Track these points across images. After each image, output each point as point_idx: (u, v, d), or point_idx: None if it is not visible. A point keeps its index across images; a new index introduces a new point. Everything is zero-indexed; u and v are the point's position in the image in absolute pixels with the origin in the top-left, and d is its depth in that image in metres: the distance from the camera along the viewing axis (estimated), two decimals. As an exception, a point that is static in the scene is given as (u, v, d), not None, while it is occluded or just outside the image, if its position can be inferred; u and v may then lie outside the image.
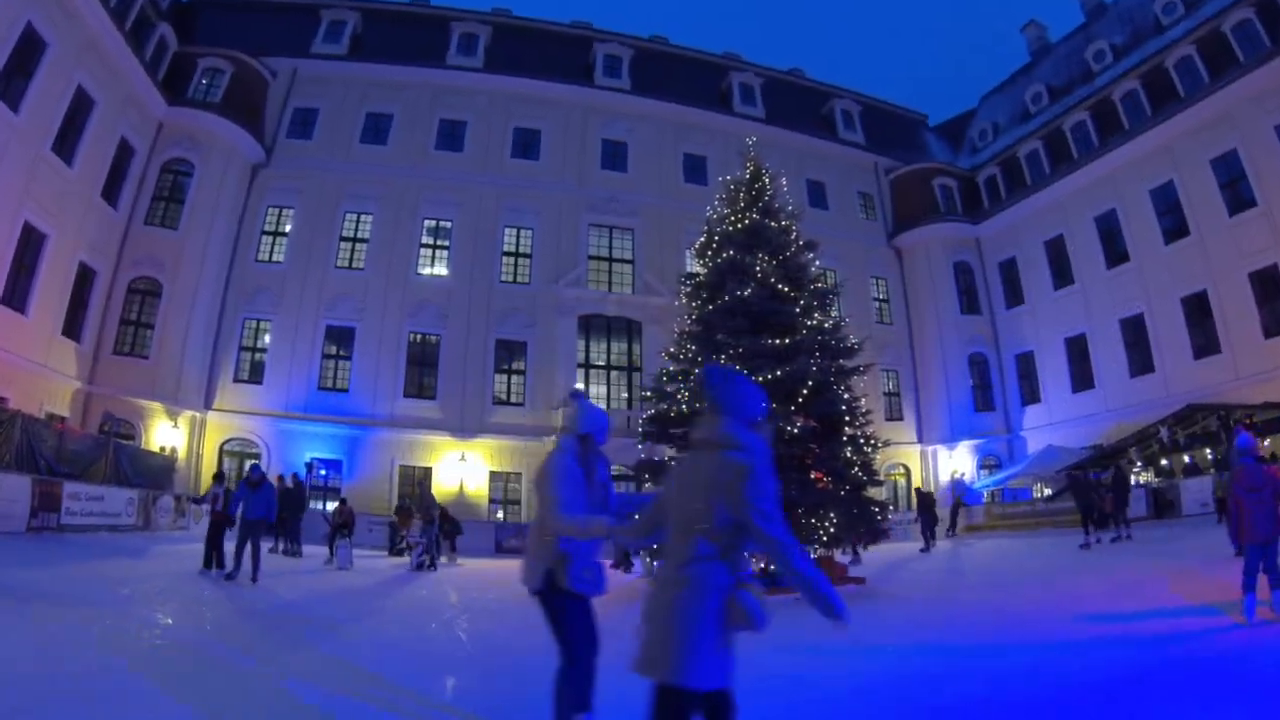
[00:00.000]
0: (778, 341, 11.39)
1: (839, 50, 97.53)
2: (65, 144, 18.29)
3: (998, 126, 31.91)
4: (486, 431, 23.54)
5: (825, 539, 10.59)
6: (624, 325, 25.84)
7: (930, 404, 28.42)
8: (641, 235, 26.66)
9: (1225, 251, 21.01)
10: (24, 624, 5.93)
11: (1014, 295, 28.24)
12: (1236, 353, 20.61)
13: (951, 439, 27.57)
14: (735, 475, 2.37)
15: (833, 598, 2.33)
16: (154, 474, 17.94)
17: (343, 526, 14.98)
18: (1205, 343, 21.60)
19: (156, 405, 20.47)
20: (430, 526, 14.99)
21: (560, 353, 24.78)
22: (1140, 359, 23.47)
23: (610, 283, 26.15)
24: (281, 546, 15.16)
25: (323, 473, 22.47)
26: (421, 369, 24.00)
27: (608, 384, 25.27)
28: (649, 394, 12.93)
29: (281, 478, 16.27)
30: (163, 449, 19.96)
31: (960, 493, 24.98)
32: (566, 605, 3.21)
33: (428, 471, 22.94)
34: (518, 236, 25.80)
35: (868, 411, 12.43)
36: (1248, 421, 16.96)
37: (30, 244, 17.52)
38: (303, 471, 20.79)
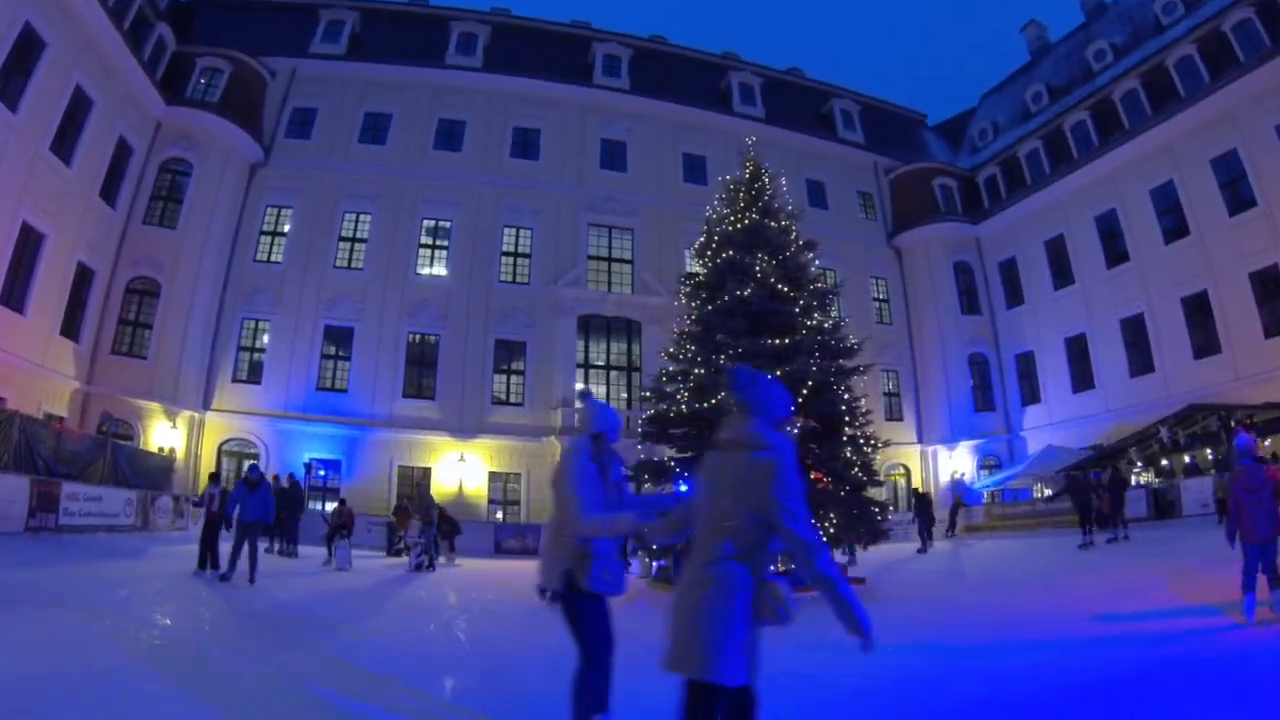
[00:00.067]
0: (777, 341, 11.36)
1: (838, 50, 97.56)
2: (63, 143, 18.26)
3: (998, 126, 31.88)
4: (485, 432, 23.51)
5: (825, 539, 10.55)
6: (623, 325, 25.82)
7: (930, 404, 28.40)
8: (641, 235, 26.63)
9: (1225, 251, 20.98)
10: (23, 624, 5.93)
11: (1014, 295, 28.21)
12: (1237, 353, 20.59)
13: (951, 439, 27.54)
14: (762, 475, 2.41)
15: (856, 609, 2.35)
16: (152, 474, 17.88)
17: (341, 527, 14.94)
18: (1206, 343, 21.58)
19: (155, 405, 20.44)
20: (429, 527, 14.95)
21: (559, 353, 24.75)
22: (1140, 359, 23.44)
23: (609, 283, 26.12)
24: (277, 547, 15.12)
25: (321, 473, 22.43)
26: (420, 369, 23.97)
27: (607, 384, 25.23)
28: (648, 394, 12.90)
29: (277, 478, 16.23)
30: (161, 449, 19.92)
31: (960, 493, 24.97)
32: (585, 606, 3.21)
33: (427, 472, 22.91)
34: (517, 236, 25.77)
35: (868, 412, 12.41)
36: (1248, 422, 16.95)
37: (28, 244, 17.49)
38: (301, 472, 20.77)
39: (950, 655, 6.01)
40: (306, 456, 21.99)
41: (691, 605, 2.42)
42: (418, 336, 24.17)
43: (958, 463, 27.26)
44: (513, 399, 24.31)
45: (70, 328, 19.14)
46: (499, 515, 23.35)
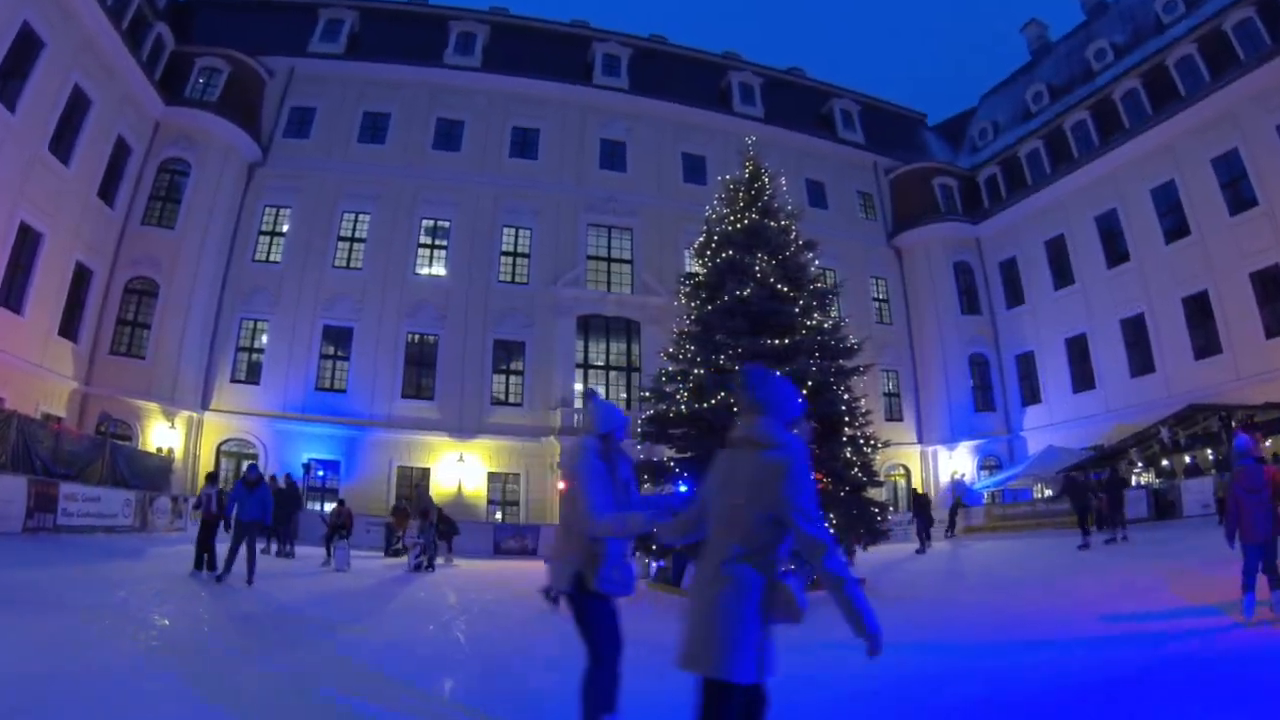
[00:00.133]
0: (777, 342, 11.33)
1: (838, 50, 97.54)
2: (62, 143, 18.23)
3: (998, 126, 31.85)
4: (485, 432, 23.48)
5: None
6: (623, 325, 25.79)
7: (930, 404, 28.37)
8: (640, 235, 26.60)
9: (1226, 251, 20.95)
10: (22, 624, 5.94)
11: (1014, 295, 28.18)
12: (1238, 353, 20.55)
13: (951, 439, 27.51)
14: (774, 474, 2.42)
15: (865, 613, 2.34)
16: (151, 475, 17.86)
17: (340, 528, 14.90)
18: (1206, 343, 21.54)
19: (153, 406, 20.40)
20: (429, 528, 14.91)
21: (559, 353, 24.71)
22: (1141, 359, 23.41)
23: (609, 283, 26.09)
24: (274, 548, 15.07)
25: (320, 473, 22.41)
26: (419, 369, 23.93)
27: (606, 384, 25.19)
28: (648, 394, 12.86)
29: (274, 478, 16.19)
30: (160, 450, 19.89)
31: (960, 493, 24.93)
32: (594, 606, 3.22)
33: (426, 472, 22.88)
34: (516, 236, 25.74)
35: (867, 412, 12.39)
36: (1249, 422, 16.91)
37: (26, 244, 17.45)
38: (300, 472, 20.74)
39: (950, 655, 6.01)
40: (305, 457, 21.97)
41: (705, 604, 2.44)
42: (417, 336, 24.14)
43: (958, 463, 27.23)
44: (512, 399, 24.28)
45: (68, 328, 19.11)
46: (498, 516, 23.32)
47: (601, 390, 24.90)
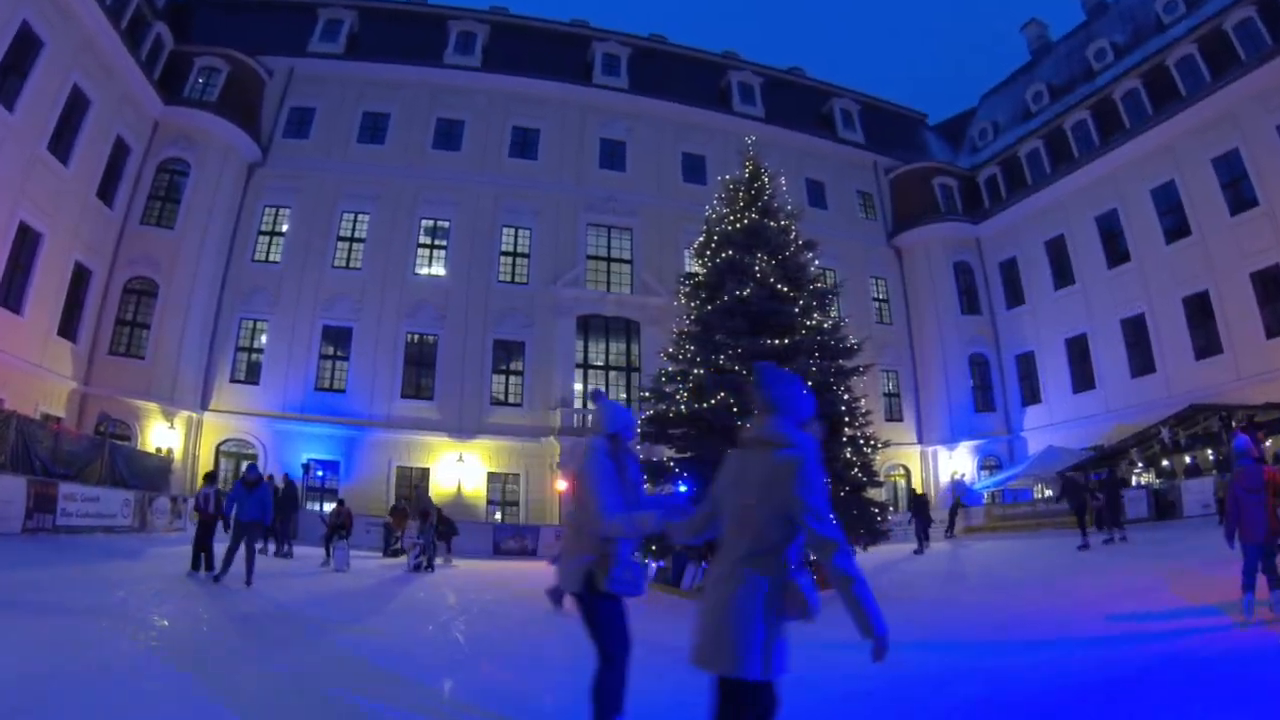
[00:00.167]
0: (777, 342, 11.33)
1: (838, 49, 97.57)
2: (61, 143, 18.20)
3: (998, 126, 31.83)
4: (484, 432, 23.45)
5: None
6: (622, 325, 25.76)
7: (930, 404, 28.34)
8: (640, 235, 26.58)
9: (1227, 251, 20.92)
10: (22, 625, 5.96)
11: (1014, 295, 28.15)
12: (1238, 353, 20.53)
13: (952, 440, 27.49)
14: (786, 473, 2.44)
15: (873, 613, 2.34)
16: (150, 475, 17.84)
17: (340, 528, 14.88)
18: (1207, 343, 21.52)
19: (152, 406, 20.38)
20: (428, 528, 14.88)
21: (558, 353, 24.69)
22: (1141, 359, 23.39)
23: (609, 283, 26.07)
24: (272, 548, 15.03)
25: (320, 474, 22.38)
26: (419, 369, 23.91)
27: (606, 384, 25.15)
28: (647, 394, 12.86)
29: (271, 478, 16.15)
30: (159, 450, 19.86)
31: (960, 494, 24.90)
32: (604, 607, 3.22)
33: (425, 472, 22.85)
34: (516, 236, 25.72)
35: (867, 412, 12.39)
36: (1250, 422, 16.89)
37: (25, 243, 17.42)
38: (299, 472, 20.72)
39: (951, 655, 6.00)
40: (305, 457, 21.95)
41: (719, 603, 2.46)
42: (416, 337, 24.11)
43: (958, 463, 27.21)
44: (511, 399, 24.25)
45: (68, 328, 19.08)
46: (497, 516, 23.29)
47: (602, 391, 24.83)
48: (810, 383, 10.80)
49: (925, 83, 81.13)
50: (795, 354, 11.22)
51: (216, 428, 22.09)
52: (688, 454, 11.80)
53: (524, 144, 26.61)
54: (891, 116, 34.46)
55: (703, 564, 10.98)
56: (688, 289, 13.10)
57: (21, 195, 16.94)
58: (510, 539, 21.03)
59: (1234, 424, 17.41)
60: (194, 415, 21.63)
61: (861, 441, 11.69)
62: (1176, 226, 22.61)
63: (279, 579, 11.20)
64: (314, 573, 12.75)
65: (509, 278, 25.25)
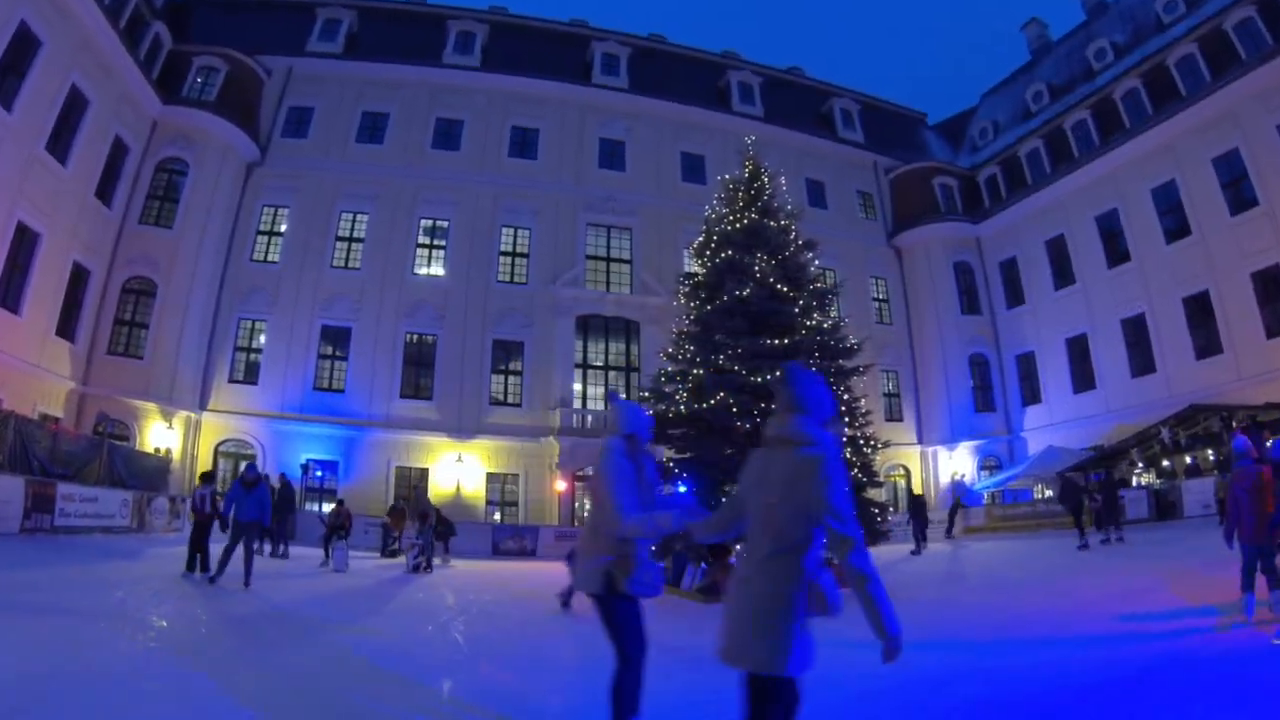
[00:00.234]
0: (777, 342, 11.31)
1: (838, 49, 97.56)
2: (59, 143, 18.17)
3: (998, 125, 31.82)
4: (483, 432, 23.42)
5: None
6: (622, 325, 25.73)
7: (930, 405, 28.32)
8: (639, 235, 26.56)
9: (1227, 251, 20.91)
10: (21, 625, 5.95)
11: (1014, 295, 28.14)
12: (1239, 353, 20.51)
13: (952, 440, 27.47)
14: (808, 471, 2.47)
15: (886, 613, 2.35)
16: (148, 475, 17.79)
17: (339, 528, 14.84)
18: (1207, 343, 21.50)
19: (151, 406, 20.35)
20: (427, 529, 14.85)
21: (557, 353, 24.66)
22: (1142, 359, 23.37)
23: (608, 283, 26.04)
24: (268, 549, 14.96)
25: (319, 474, 22.35)
26: (418, 369, 23.87)
27: (605, 384, 25.14)
28: (647, 395, 12.83)
29: (267, 477, 16.07)
30: (157, 450, 19.82)
31: (960, 494, 24.88)
32: (622, 608, 3.23)
33: (424, 473, 22.82)
34: (515, 236, 25.69)
35: (867, 412, 12.38)
36: (1253, 422, 16.85)
37: (24, 243, 17.39)
38: (298, 473, 20.68)
39: (951, 655, 5.98)
40: (303, 457, 21.92)
41: (746, 601, 2.51)
42: (415, 337, 24.08)
43: (958, 463, 27.19)
44: (510, 399, 24.22)
45: (66, 328, 19.04)
46: (497, 516, 23.26)
47: (596, 390, 24.88)
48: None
49: (925, 82, 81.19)
50: (795, 354, 11.20)
51: (215, 428, 22.06)
52: (687, 454, 11.77)
53: (523, 144, 26.58)
54: (891, 116, 34.45)
55: (702, 565, 10.95)
56: (687, 289, 13.08)
57: (20, 195, 16.91)
58: (509, 539, 21.00)
59: (1234, 424, 17.39)
60: (192, 415, 21.60)
61: (861, 442, 11.68)
62: (1177, 226, 22.60)
63: (277, 580, 11.17)
64: (313, 573, 12.72)
65: (508, 278, 25.22)
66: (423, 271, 24.75)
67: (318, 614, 8.31)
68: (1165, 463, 20.61)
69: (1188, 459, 19.76)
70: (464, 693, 5.07)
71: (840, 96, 32.47)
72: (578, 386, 24.79)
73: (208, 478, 11.63)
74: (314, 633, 7.14)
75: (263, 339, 23.19)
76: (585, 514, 22.29)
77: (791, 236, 12.70)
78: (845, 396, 11.61)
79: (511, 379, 24.43)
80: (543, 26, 29.97)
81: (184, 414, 21.26)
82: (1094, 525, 15.76)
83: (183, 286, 21.43)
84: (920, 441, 28.14)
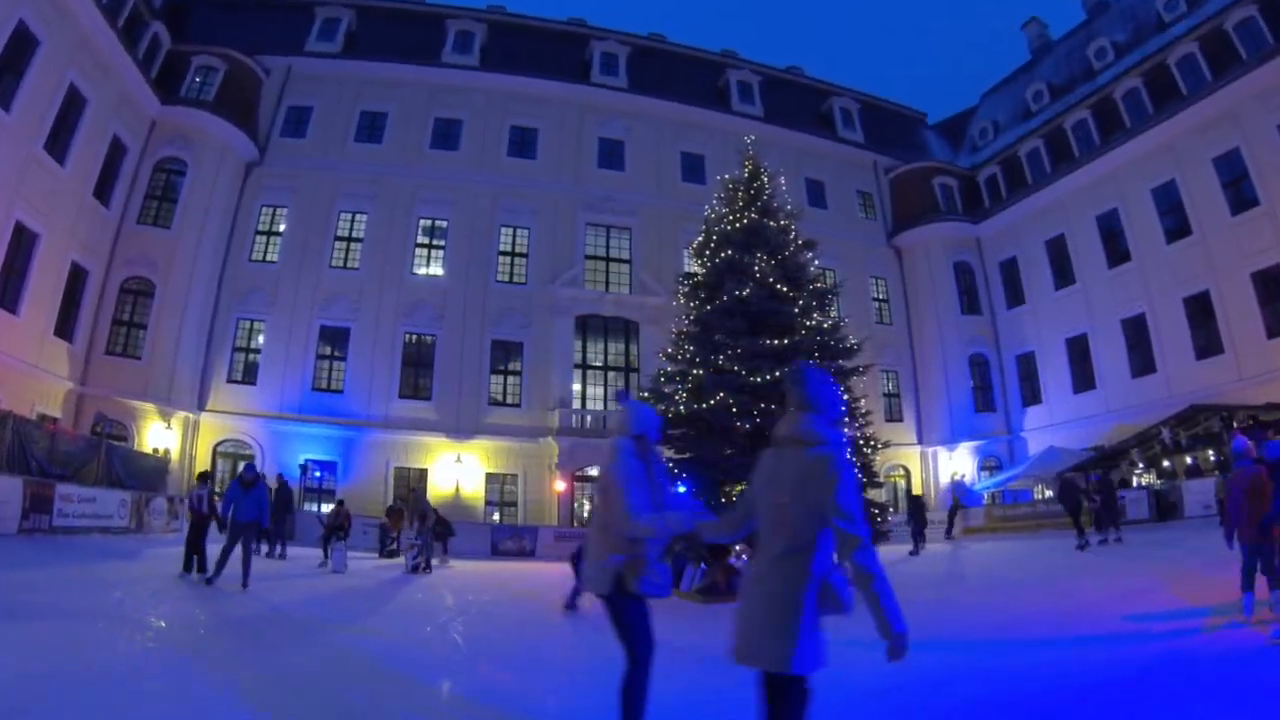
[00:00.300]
0: (776, 342, 11.28)
1: (838, 48, 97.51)
2: (57, 143, 18.15)
3: (998, 125, 31.80)
4: (482, 433, 23.40)
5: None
6: (621, 325, 25.71)
7: (930, 405, 28.30)
8: (639, 234, 26.54)
9: (1228, 251, 20.89)
10: (20, 625, 5.95)
11: (1015, 295, 28.12)
12: (1239, 353, 20.50)
13: (952, 440, 27.45)
14: (818, 471, 2.49)
15: (892, 612, 2.36)
16: (147, 475, 17.78)
17: (338, 529, 14.81)
18: (1208, 343, 21.48)
19: (149, 406, 20.32)
20: (426, 530, 14.82)
21: (557, 353, 24.64)
22: (1142, 359, 23.36)
23: (607, 282, 26.02)
24: (265, 549, 14.91)
25: (318, 474, 22.33)
26: (417, 370, 23.85)
27: (605, 385, 25.12)
28: (646, 395, 12.80)
29: (264, 477, 16.03)
30: (156, 450, 19.80)
31: (960, 494, 24.85)
32: (631, 608, 3.23)
33: (423, 473, 22.80)
34: (514, 236, 25.66)
35: (867, 412, 12.35)
36: (1249, 423, 16.83)
37: (22, 243, 17.36)
38: (296, 473, 20.64)
39: (951, 655, 5.97)
40: (302, 458, 21.90)
41: (758, 600, 2.53)
42: (414, 337, 24.05)
43: (958, 464, 27.16)
44: (509, 400, 24.19)
45: (64, 328, 19.02)
46: (495, 517, 23.24)
47: (595, 391, 24.87)
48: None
49: (925, 82, 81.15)
50: (795, 354, 11.17)
51: (213, 428, 22.03)
52: (686, 455, 11.74)
53: (522, 143, 26.56)
54: (891, 115, 34.43)
55: (702, 565, 10.92)
56: (687, 289, 13.04)
57: (17, 195, 16.88)
58: (508, 540, 20.98)
59: (1235, 424, 17.36)
60: (191, 415, 21.57)
61: (861, 442, 11.64)
62: (1177, 226, 22.58)
63: (276, 580, 11.14)
64: (311, 574, 12.70)
65: (507, 277, 25.20)
66: (421, 271, 24.73)
67: (317, 614, 8.29)
68: (1166, 463, 20.59)
69: (1188, 459, 19.74)
70: (463, 693, 5.08)
71: (840, 96, 32.45)
72: (577, 387, 24.76)
73: (205, 478, 11.59)
74: (313, 633, 7.12)
75: (261, 339, 23.17)
76: (585, 514, 22.30)
77: (791, 236, 12.67)
78: (845, 397, 11.57)
79: (510, 379, 24.41)
80: (541, 26, 29.95)
81: (182, 414, 21.23)
82: (1093, 526, 15.73)
83: (181, 286, 21.41)
84: (920, 442, 28.13)
